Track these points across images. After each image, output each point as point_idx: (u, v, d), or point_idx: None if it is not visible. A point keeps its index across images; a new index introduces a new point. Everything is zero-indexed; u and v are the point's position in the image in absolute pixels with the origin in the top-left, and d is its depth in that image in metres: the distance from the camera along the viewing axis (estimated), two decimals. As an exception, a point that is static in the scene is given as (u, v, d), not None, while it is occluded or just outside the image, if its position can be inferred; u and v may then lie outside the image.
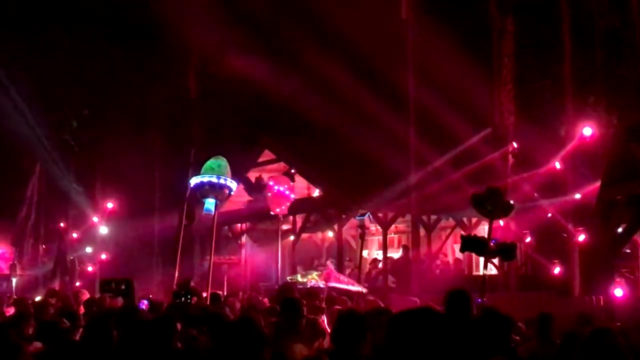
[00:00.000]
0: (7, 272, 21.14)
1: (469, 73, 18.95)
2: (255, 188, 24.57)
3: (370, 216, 14.98)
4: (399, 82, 20.97)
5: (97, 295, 14.05)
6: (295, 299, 7.58)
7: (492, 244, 8.00)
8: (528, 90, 18.77)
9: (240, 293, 16.14)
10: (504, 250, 8.06)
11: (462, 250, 8.33)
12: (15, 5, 28.02)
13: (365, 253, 21.99)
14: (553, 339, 8.23)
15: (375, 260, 23.34)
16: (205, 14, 25.73)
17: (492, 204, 8.23)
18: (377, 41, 21.13)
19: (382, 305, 10.75)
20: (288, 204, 14.87)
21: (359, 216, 15.47)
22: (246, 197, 24.93)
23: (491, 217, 8.43)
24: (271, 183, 15.21)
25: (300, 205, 21.60)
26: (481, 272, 8.53)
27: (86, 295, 13.41)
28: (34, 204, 21.36)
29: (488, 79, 19.38)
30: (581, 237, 17.32)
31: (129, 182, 26.77)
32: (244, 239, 26.27)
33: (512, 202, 8.81)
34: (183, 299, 6.72)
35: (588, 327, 8.44)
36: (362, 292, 13.58)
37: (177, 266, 16.35)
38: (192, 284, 12.58)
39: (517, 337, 8.25)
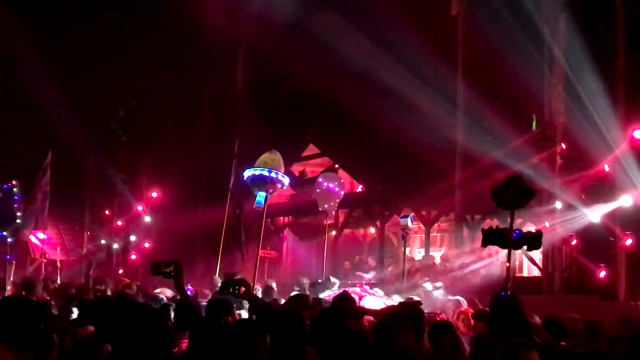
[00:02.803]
0: (55, 257, 21.36)
1: (519, 71, 18.70)
2: (299, 182, 24.61)
3: (413, 217, 14.75)
4: (447, 79, 20.81)
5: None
6: None
7: (514, 235, 7.85)
8: (579, 91, 18.45)
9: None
10: (529, 240, 7.89)
11: (483, 244, 8.17)
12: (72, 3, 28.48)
13: (407, 251, 21.89)
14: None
15: (412, 260, 23.11)
16: (253, 7, 25.82)
17: (510, 195, 8.07)
18: (426, 37, 20.97)
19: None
20: (337, 200, 14.85)
21: (402, 217, 15.39)
22: (289, 191, 24.98)
23: (510, 207, 8.24)
24: (321, 179, 15.20)
25: (342, 201, 21.56)
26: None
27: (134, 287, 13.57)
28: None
29: (538, 78, 19.11)
30: (628, 241, 17.03)
31: (175, 172, 27.00)
32: (285, 232, 26.35)
33: (532, 188, 8.56)
34: (231, 289, 6.75)
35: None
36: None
37: (220, 257, 16.47)
38: (238, 276, 12.61)
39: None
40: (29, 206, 18.97)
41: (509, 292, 7.70)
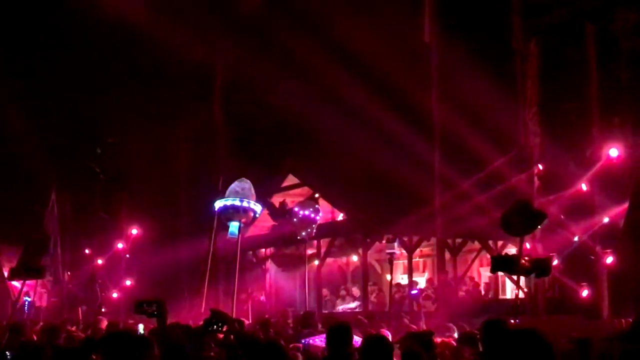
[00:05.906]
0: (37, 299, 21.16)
1: (494, 95, 18.87)
2: (279, 213, 24.54)
3: (398, 242, 14.75)
4: (423, 105, 20.94)
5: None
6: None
7: (524, 261, 7.75)
8: (553, 112, 18.62)
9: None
10: (538, 266, 7.80)
11: (492, 270, 8.06)
12: (46, 42, 28.49)
13: (389, 277, 21.85)
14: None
15: (398, 285, 23.09)
16: (230, 39, 25.93)
17: (520, 220, 7.95)
18: (401, 64, 21.13)
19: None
20: (314, 226, 14.79)
21: (388, 242, 15.36)
22: (270, 222, 24.91)
23: (521, 234, 8.16)
24: (296, 209, 15.17)
25: (324, 230, 21.54)
26: (513, 292, 8.36)
27: (104, 323, 13.35)
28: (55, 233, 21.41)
29: (513, 101, 19.28)
30: (609, 259, 17.11)
31: (154, 208, 26.84)
32: (268, 264, 26.22)
33: (542, 211, 8.45)
34: (215, 326, 6.70)
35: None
36: None
37: (205, 293, 16.33)
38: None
39: None
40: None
41: (517, 320, 7.59)
